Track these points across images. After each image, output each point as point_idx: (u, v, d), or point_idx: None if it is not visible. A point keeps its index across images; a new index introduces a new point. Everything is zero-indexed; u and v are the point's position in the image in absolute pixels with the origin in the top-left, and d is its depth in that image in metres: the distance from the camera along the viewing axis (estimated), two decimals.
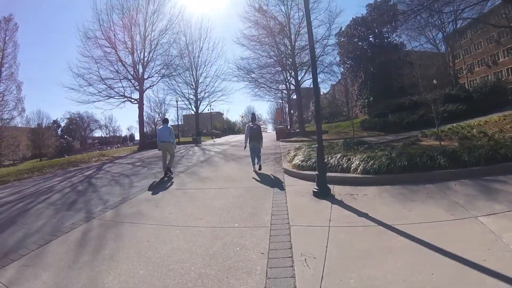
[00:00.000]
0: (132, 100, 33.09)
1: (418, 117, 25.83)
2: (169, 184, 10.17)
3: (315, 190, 7.07)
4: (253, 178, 10.03)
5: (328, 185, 7.18)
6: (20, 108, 42.73)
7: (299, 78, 31.53)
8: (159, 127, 12.93)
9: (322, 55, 31.51)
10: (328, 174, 7.77)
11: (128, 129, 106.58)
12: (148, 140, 36.40)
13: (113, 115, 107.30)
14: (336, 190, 7.38)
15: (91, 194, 9.96)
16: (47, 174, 17.85)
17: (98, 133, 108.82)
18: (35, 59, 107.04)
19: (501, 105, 26.18)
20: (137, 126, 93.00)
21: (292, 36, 30.69)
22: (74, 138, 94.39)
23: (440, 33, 42.23)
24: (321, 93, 77.96)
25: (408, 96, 32.46)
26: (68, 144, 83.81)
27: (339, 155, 9.44)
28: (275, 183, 8.90)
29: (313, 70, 7.85)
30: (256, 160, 11.21)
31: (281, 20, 30.81)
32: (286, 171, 10.18)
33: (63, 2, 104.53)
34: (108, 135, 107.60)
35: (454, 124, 19.95)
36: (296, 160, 10.28)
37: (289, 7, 30.53)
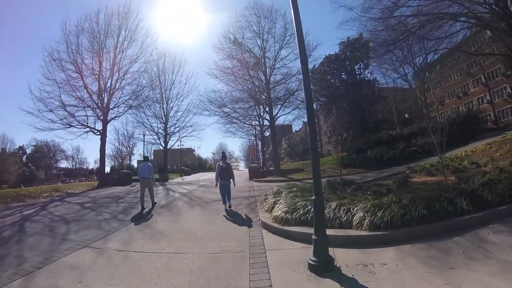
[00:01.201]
0: (95, 131, 30.33)
1: (399, 152, 24.82)
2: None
3: (313, 262, 4.90)
4: (220, 234, 7.77)
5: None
6: None
7: (274, 114, 29.77)
8: (140, 165, 13.81)
9: (297, 90, 30.08)
10: None
11: (95, 162, 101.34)
12: (114, 176, 33.61)
13: (80, 146, 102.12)
14: (340, 257, 5.32)
15: (12, 246, 7.81)
16: None
17: (64, 164, 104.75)
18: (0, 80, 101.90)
19: (475, 134, 26.32)
20: (106, 159, 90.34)
21: (267, 70, 29.35)
22: (39, 167, 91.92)
23: (411, 68, 42.96)
24: (294, 131, 77.63)
25: (386, 131, 32.08)
26: (31, 173, 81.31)
27: (334, 204, 7.48)
28: (252, 244, 6.62)
29: (307, 100, 5.77)
30: (226, 199, 11.22)
31: (256, 53, 29.55)
32: (265, 226, 7.96)
33: (30, 19, 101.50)
34: (74, 167, 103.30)
35: (436, 158, 18.51)
36: (278, 211, 8.06)
37: (265, 40, 29.52)
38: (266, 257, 5.72)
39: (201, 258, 5.90)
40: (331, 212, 7.19)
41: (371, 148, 28.40)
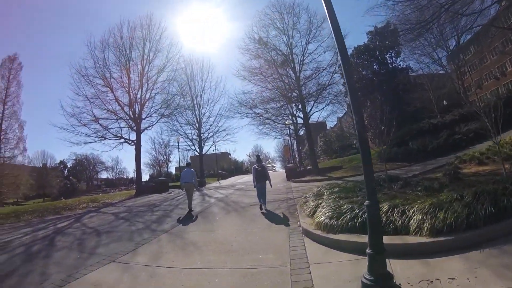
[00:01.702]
0: (130, 142, 30.52)
1: (442, 141, 23.03)
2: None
3: (368, 281, 3.94)
4: (257, 244, 7.00)
5: None
6: (21, 147, 42.33)
7: (307, 111, 28.72)
8: (183, 170, 14.66)
9: (330, 84, 28.86)
10: None
11: (134, 171, 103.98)
12: (151, 184, 33.66)
13: (119, 156, 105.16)
14: (399, 271, 4.39)
15: (38, 261, 7.42)
16: (20, 223, 15.79)
17: (105, 175, 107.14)
18: (38, 100, 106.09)
19: None
20: (144, 167, 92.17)
21: (296, 66, 28.29)
22: (80, 179, 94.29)
23: (444, 52, 40.66)
24: (328, 127, 75.79)
25: (427, 120, 30.11)
26: (73, 185, 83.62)
27: (385, 206, 6.46)
28: (293, 257, 5.75)
29: (349, 84, 4.83)
30: (262, 200, 11.38)
31: (283, 50, 28.58)
32: (307, 233, 7.08)
33: (59, 40, 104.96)
34: (114, 177, 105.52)
35: (483, 145, 17.33)
36: (321, 216, 7.14)
37: (290, 36, 28.44)
38: (310, 273, 4.86)
39: (235, 275, 5.13)
40: (383, 215, 6.20)
41: (412, 139, 26.78)
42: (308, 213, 8.42)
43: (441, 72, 43.95)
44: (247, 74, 29.06)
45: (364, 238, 5.57)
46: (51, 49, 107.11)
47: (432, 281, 4.00)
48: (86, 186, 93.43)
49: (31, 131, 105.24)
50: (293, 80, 28.37)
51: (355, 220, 6.40)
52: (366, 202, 4.19)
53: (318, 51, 28.37)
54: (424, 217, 5.58)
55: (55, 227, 12.82)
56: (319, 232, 6.65)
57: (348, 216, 6.59)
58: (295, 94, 28.30)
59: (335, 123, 69.52)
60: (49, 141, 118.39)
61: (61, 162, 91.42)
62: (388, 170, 21.05)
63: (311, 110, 29.46)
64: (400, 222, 5.88)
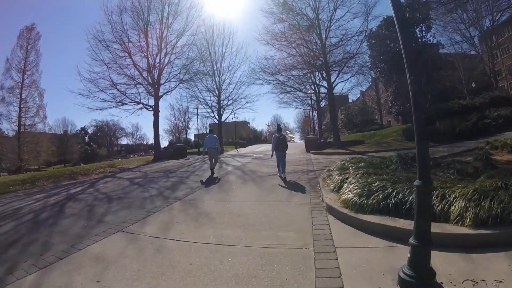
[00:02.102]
0: (148, 107, 30.04)
1: (471, 124, 21.91)
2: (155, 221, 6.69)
3: (407, 277, 3.27)
4: (276, 219, 6.34)
5: None
6: (42, 115, 44.09)
7: (332, 81, 27.51)
8: (207, 136, 14.93)
9: (358, 54, 27.48)
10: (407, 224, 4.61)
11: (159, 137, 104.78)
12: (169, 150, 33.44)
13: (139, 123, 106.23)
14: (439, 266, 3.63)
15: (44, 230, 6.96)
16: (34, 189, 15.31)
17: (125, 141, 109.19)
18: (58, 68, 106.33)
19: None
20: (164, 134, 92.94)
21: (322, 32, 26.68)
22: (101, 145, 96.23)
23: (477, 31, 39.43)
24: (350, 101, 73.88)
25: (456, 100, 28.71)
26: (93, 151, 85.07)
27: None
28: (317, 237, 5.07)
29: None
30: (281, 168, 11.62)
31: (309, 14, 26.87)
32: (332, 211, 6.38)
33: (75, 7, 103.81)
34: (134, 143, 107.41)
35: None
36: (348, 193, 6.42)
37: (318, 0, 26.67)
38: (337, 259, 4.16)
39: (251, 254, 4.48)
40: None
41: (440, 119, 25.58)
42: (332, 188, 7.71)
43: (472, 52, 42.44)
44: (270, 38, 27.66)
45: (399, 223, 4.99)
46: (68, 16, 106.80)
47: (477, 282, 3.28)
48: (106, 152, 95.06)
49: (51, 99, 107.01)
50: (318, 47, 26.90)
51: (388, 201, 5.65)
52: (417, 182, 3.41)
53: (346, 18, 26.68)
54: (468, 205, 4.79)
55: (68, 193, 12.46)
56: (346, 211, 5.94)
57: (380, 196, 5.84)
58: (320, 62, 26.95)
59: (358, 96, 68.01)
60: (69, 109, 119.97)
61: (82, 129, 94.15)
62: (413, 148, 20.12)
63: (335, 79, 28.25)
64: (439, 207, 5.11)
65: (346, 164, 9.98)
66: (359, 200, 5.94)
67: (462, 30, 39.61)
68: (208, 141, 14.21)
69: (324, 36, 26.42)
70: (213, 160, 13.94)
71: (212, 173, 13.60)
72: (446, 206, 5.05)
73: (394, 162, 10.16)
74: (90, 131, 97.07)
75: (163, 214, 7.36)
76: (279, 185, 10.05)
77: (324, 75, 27.69)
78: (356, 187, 6.53)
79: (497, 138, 15.51)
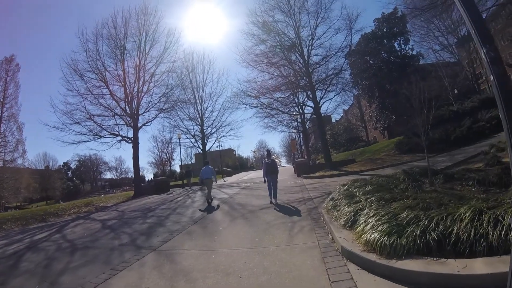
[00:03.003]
0: (127, 139, 28.26)
1: (466, 129, 21.12)
2: None
3: None
4: (277, 275, 4.69)
5: None
6: (21, 150, 41.97)
7: (318, 99, 26.23)
8: (203, 168, 15.18)
9: (343, 70, 26.44)
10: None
11: (140, 170, 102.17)
12: (152, 184, 31.52)
13: (122, 156, 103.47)
14: None
15: None
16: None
17: (109, 175, 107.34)
18: (37, 101, 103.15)
19: None
20: (148, 167, 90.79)
21: (305, 51, 25.51)
22: (84, 180, 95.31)
23: (454, 39, 40.16)
24: (334, 121, 73.21)
25: (446, 107, 27.98)
26: (76, 187, 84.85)
27: (467, 212, 4.49)
28: None
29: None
30: (273, 194, 11.76)
31: (290, 35, 25.76)
32: (351, 256, 4.80)
33: (55, 39, 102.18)
34: (118, 177, 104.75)
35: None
36: (371, 231, 4.89)
37: (298, 19, 25.49)
38: None
39: None
40: (468, 226, 4.13)
41: (432, 128, 24.57)
42: (344, 223, 6.13)
43: (451, 60, 43.09)
44: (251, 60, 26.14)
45: (451, 266, 3.73)
46: (48, 48, 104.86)
47: None
48: (90, 187, 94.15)
49: (31, 134, 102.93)
50: (301, 65, 25.66)
51: (427, 236, 4.25)
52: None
53: (328, 34, 25.38)
54: None
55: (31, 240, 10.73)
56: (373, 257, 4.37)
57: (416, 231, 4.39)
58: (304, 81, 25.69)
59: (341, 115, 67.36)
60: (50, 143, 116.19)
61: (65, 164, 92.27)
62: (409, 162, 19.00)
63: (321, 98, 26.89)
64: (495, 236, 3.79)
65: (350, 189, 8.60)
66: (389, 240, 4.44)
67: (439, 38, 41.13)
68: (204, 172, 14.84)
69: (306, 55, 25.26)
70: (209, 190, 14.56)
71: (208, 202, 14.10)
72: (502, 234, 3.79)
73: (402, 181, 9.14)
74: (72, 166, 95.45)
75: (131, 273, 5.66)
76: (274, 221, 8.41)
77: (309, 94, 26.26)
78: (378, 221, 5.09)
79: (495, 140, 15.43)
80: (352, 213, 6.14)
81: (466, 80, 39.71)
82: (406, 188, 8.02)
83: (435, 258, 3.95)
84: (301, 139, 50.17)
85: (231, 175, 48.94)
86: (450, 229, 4.24)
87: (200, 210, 12.77)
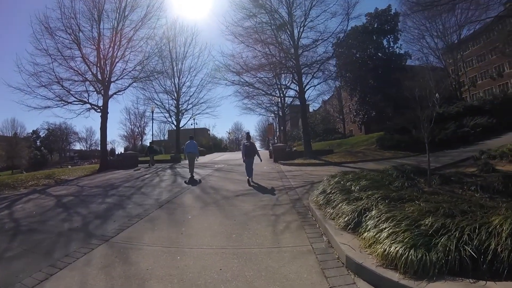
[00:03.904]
0: (96, 108, 26.05)
1: (450, 133, 20.79)
2: None
3: None
4: None
5: None
6: None
7: (304, 85, 24.95)
8: (187, 142, 15.92)
9: (331, 58, 25.25)
10: None
11: (110, 143, 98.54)
12: (120, 158, 29.55)
13: (92, 127, 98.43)
14: None
15: None
16: None
17: (78, 146, 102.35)
18: (7, 62, 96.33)
19: None
20: (120, 140, 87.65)
21: (296, 32, 23.86)
22: (52, 150, 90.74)
23: (443, 44, 40.35)
24: (311, 110, 72.51)
25: (432, 107, 27.43)
26: (43, 156, 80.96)
27: (503, 224, 3.61)
28: None
29: None
30: (250, 174, 12.17)
31: (281, 12, 23.86)
32: (363, 272, 3.67)
33: None
34: (88, 149, 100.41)
35: (493, 141, 18.04)
36: (390, 243, 3.70)
37: None
38: None
39: None
40: (507, 241, 3.28)
41: (416, 127, 24.03)
42: (344, 224, 4.96)
43: (437, 65, 44.07)
44: (239, 32, 24.02)
45: None
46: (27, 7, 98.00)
47: None
48: (58, 158, 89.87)
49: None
50: (290, 46, 24.25)
51: (462, 252, 3.32)
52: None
53: (323, 17, 23.75)
54: None
55: None
56: (395, 276, 3.30)
57: (447, 244, 3.40)
58: (292, 63, 24.28)
59: (319, 105, 66.63)
60: (19, 109, 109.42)
61: (34, 132, 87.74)
62: (391, 159, 18.24)
63: (307, 83, 25.83)
64: None
65: (342, 182, 7.50)
66: (416, 255, 3.37)
67: (428, 41, 41.36)
68: (188, 146, 15.52)
69: (297, 36, 23.68)
70: (192, 164, 15.14)
71: (192, 175, 14.64)
72: None
73: (396, 178, 8.31)
74: (42, 134, 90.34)
75: (72, 274, 4.35)
76: (253, 212, 7.21)
77: (295, 77, 24.88)
78: (397, 229, 3.98)
79: (479, 147, 15.94)
80: (355, 213, 5.00)
81: (449, 86, 39.79)
82: (402, 186, 7.14)
83: (472, 280, 3.06)
84: (278, 124, 49.25)
85: (204, 155, 47.39)
86: (486, 244, 3.34)
87: (185, 182, 13.47)
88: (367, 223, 4.57)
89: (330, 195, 6.52)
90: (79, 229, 6.83)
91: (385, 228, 4.15)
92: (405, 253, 3.42)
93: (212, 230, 6.08)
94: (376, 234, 4.15)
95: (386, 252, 3.62)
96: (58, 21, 24.17)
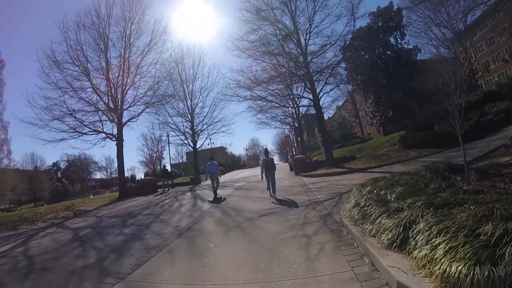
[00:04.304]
0: (111, 137, 26.12)
1: (474, 123, 19.57)
2: None
3: None
4: None
5: None
6: (6, 150, 39.84)
7: (317, 91, 24.28)
8: (207, 163, 16.14)
9: (342, 61, 24.63)
10: None
11: (130, 169, 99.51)
12: (138, 185, 29.27)
13: (111, 155, 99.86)
14: None
15: None
16: None
17: (99, 175, 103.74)
18: (21, 99, 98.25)
19: None
20: (140, 166, 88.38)
21: (302, 40, 23.44)
22: (74, 181, 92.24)
23: (450, 33, 38.61)
24: (326, 118, 71.65)
25: (452, 100, 26.41)
26: (64, 188, 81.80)
27: None
28: None
29: None
30: (271, 189, 12.49)
31: (286, 21, 23.75)
32: None
33: (32, 29, 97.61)
34: (108, 177, 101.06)
35: None
36: (450, 261, 3.01)
37: (294, 6, 23.30)
38: None
39: None
40: None
41: (438, 121, 23.07)
42: (388, 241, 4.25)
43: (449, 56, 41.58)
44: (245, 47, 23.83)
45: None
46: (28, 40, 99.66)
47: None
48: (80, 188, 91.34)
49: (17, 134, 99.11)
50: (298, 54, 23.71)
51: None
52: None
53: (328, 21, 23.22)
54: None
55: None
56: None
57: None
58: (302, 71, 23.68)
59: (334, 112, 65.67)
60: (38, 143, 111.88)
61: (54, 164, 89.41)
62: (418, 158, 17.36)
63: (321, 90, 25.08)
64: None
65: (376, 191, 6.83)
66: (483, 274, 2.80)
67: (436, 34, 39.27)
68: (209, 167, 15.82)
69: (304, 44, 23.21)
70: (215, 184, 15.35)
71: (215, 194, 14.99)
72: None
73: (430, 179, 7.47)
74: (62, 166, 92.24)
75: None
76: (281, 235, 6.51)
77: (308, 86, 24.21)
78: (455, 242, 3.38)
79: (506, 133, 15.40)
80: (400, 228, 4.30)
81: (463, 76, 38.70)
82: (439, 188, 6.38)
83: None
84: (295, 135, 48.63)
85: (223, 174, 47.00)
86: None
87: (209, 201, 13.90)
88: (416, 238, 3.91)
89: (366, 208, 5.80)
90: (93, 266, 6.31)
91: (439, 244, 3.48)
92: (470, 272, 2.76)
93: (237, 259, 5.41)
94: (430, 251, 3.48)
95: (446, 274, 2.96)
96: (65, 54, 24.50)
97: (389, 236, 4.33)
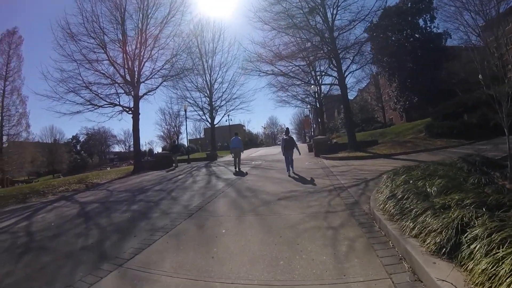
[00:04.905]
0: (127, 110, 25.53)
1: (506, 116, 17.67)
2: None
3: None
4: None
5: None
6: (24, 123, 41.39)
7: (343, 70, 22.88)
8: (232, 138, 17.35)
9: (371, 39, 23.27)
10: None
11: (148, 143, 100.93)
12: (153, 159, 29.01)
13: (129, 129, 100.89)
14: None
15: None
16: None
17: (117, 148, 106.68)
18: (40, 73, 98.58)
19: None
20: (158, 140, 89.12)
21: (329, 14, 21.86)
22: (92, 154, 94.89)
23: (482, 21, 35.75)
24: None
25: (482, 89, 24.87)
26: (83, 160, 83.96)
27: None
28: None
29: None
30: (290, 167, 12.88)
31: None
32: None
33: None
34: (127, 150, 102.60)
35: None
36: None
37: None
38: None
39: None
40: None
41: (467, 111, 21.61)
42: (435, 247, 3.42)
43: (479, 44, 39.42)
44: (268, 17, 22.41)
45: None
46: (44, 14, 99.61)
47: None
48: (98, 160, 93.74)
49: (36, 107, 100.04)
50: (324, 29, 22.34)
51: None
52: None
53: None
54: None
55: None
56: None
57: None
58: (327, 47, 22.41)
59: (356, 94, 63.90)
60: (55, 117, 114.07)
61: (74, 137, 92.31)
62: (446, 148, 16.33)
63: (347, 68, 24.04)
64: None
65: (412, 182, 6.00)
66: None
67: (467, 20, 36.68)
68: (233, 142, 16.84)
69: (330, 18, 21.71)
70: (237, 159, 16.38)
71: (237, 169, 15.96)
72: None
73: (468, 172, 6.73)
74: (81, 139, 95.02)
75: None
76: (303, 224, 5.75)
77: (333, 63, 22.92)
78: None
79: None
80: (451, 230, 3.50)
81: (493, 66, 36.72)
82: (479, 183, 5.58)
83: None
84: (313, 116, 47.53)
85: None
86: None
87: (234, 174, 14.77)
88: (472, 246, 3.11)
89: (404, 201, 4.98)
90: (92, 248, 5.79)
91: (504, 257, 2.68)
92: None
93: (251, 252, 4.68)
94: (492, 266, 2.69)
95: None
96: (81, 25, 23.75)
97: (437, 239, 3.52)
